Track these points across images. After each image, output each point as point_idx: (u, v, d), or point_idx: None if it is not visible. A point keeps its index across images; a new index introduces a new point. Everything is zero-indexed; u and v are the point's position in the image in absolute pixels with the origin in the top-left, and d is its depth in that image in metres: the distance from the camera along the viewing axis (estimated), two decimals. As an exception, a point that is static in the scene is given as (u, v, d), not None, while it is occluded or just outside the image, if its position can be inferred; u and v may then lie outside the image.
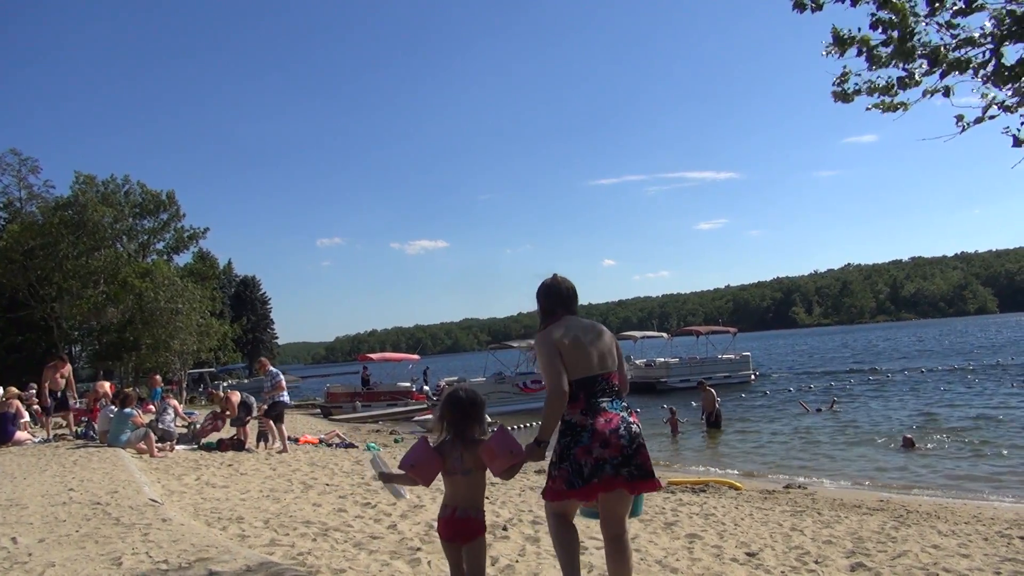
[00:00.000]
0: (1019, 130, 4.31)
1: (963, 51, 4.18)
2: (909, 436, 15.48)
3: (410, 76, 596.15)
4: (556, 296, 3.98)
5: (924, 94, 4.49)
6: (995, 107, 4.32)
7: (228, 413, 13.94)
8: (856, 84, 4.67)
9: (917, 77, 4.40)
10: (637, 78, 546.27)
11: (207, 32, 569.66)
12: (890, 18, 4.18)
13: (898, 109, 4.66)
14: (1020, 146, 4.31)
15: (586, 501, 3.73)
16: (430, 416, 25.53)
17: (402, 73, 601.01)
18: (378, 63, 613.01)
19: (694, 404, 27.39)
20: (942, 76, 4.28)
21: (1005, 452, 14.50)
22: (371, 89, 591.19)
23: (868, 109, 4.74)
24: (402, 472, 3.79)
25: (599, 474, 3.60)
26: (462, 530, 3.64)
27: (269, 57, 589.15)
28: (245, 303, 74.00)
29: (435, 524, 5.94)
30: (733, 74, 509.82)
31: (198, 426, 14.54)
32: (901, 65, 4.38)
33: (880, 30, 4.29)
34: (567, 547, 3.79)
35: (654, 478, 3.76)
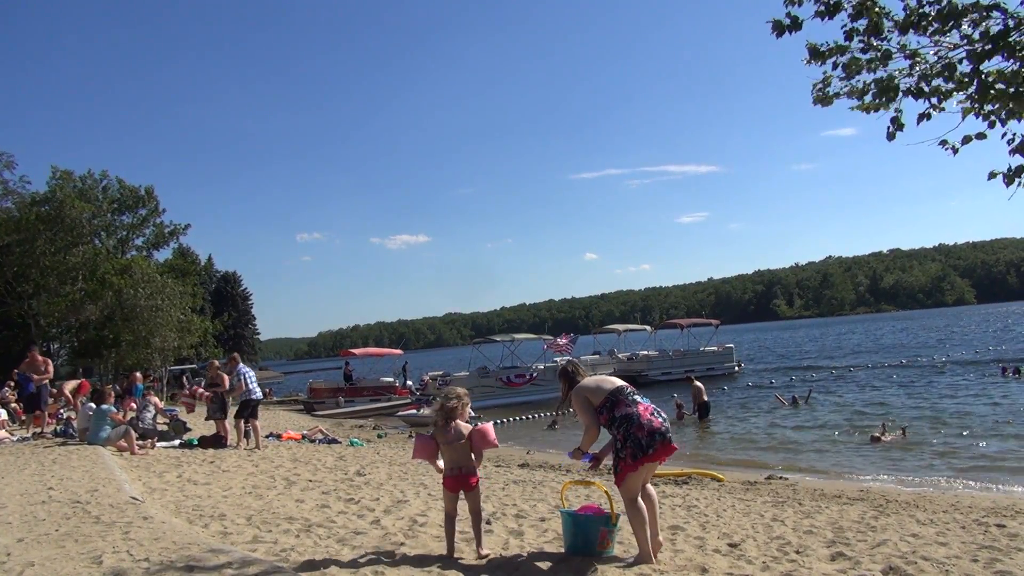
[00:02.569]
0: (1009, 169, 4.35)
1: (937, 80, 4.24)
2: (877, 435, 15.56)
3: (389, 71, 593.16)
4: (574, 375, 5.57)
5: (905, 97, 4.53)
6: (973, 116, 4.35)
7: (215, 382, 13.81)
8: (836, 89, 4.71)
9: (893, 105, 4.49)
10: (618, 73, 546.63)
11: (186, 29, 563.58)
12: (866, 25, 4.23)
13: (879, 109, 4.69)
14: (1010, 185, 4.37)
15: (655, 461, 5.16)
16: (414, 411, 25.57)
17: (381, 69, 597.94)
18: (357, 59, 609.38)
19: (675, 396, 27.62)
20: (917, 98, 4.35)
21: (981, 443, 14.72)
22: (350, 84, 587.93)
23: (852, 109, 4.76)
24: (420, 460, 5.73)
25: (654, 444, 5.06)
26: (464, 482, 5.34)
27: (249, 55, 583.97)
28: (226, 299, 73.39)
29: (418, 520, 6.28)
30: (714, 69, 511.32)
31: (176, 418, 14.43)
32: (884, 67, 4.42)
33: (856, 39, 4.34)
34: (642, 521, 5.15)
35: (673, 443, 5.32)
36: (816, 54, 4.50)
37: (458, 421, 5.44)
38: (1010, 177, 4.35)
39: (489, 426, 5.58)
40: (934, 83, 4.30)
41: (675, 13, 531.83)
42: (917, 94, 4.33)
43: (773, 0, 4.64)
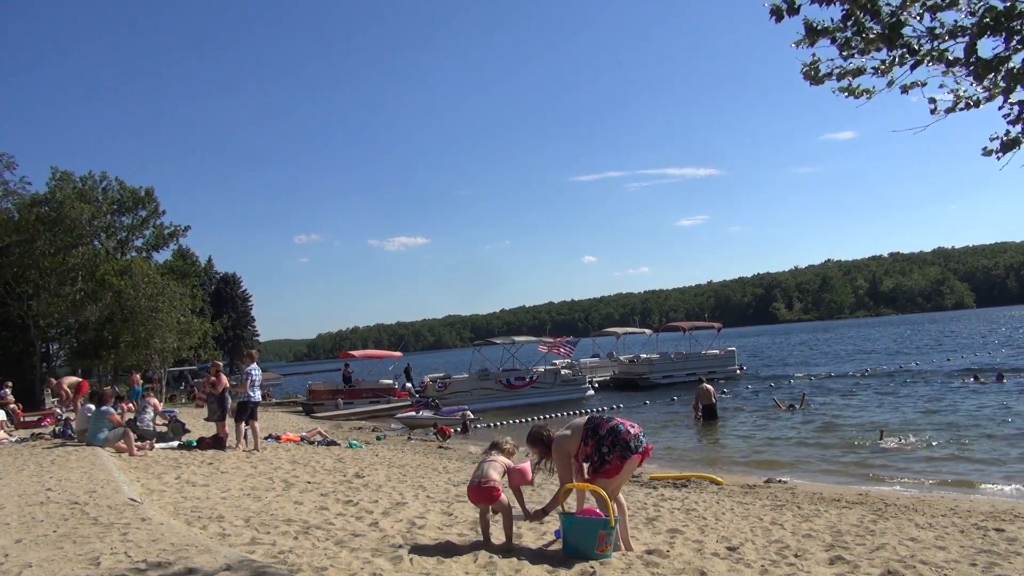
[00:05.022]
0: (1007, 133, 4.34)
1: (939, 43, 4.21)
2: (883, 431, 15.61)
3: (387, 73, 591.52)
4: (549, 439, 6.03)
5: (890, 84, 4.51)
6: (963, 101, 4.35)
7: (214, 382, 13.84)
8: (828, 67, 4.71)
9: (887, 65, 4.44)
10: (618, 75, 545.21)
11: (185, 31, 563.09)
12: (863, 5, 4.21)
13: (864, 95, 4.70)
14: (1008, 151, 4.35)
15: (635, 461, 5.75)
16: (412, 413, 25.57)
17: (379, 70, 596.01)
18: (355, 60, 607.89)
19: (675, 399, 27.63)
20: (913, 68, 4.32)
21: (978, 447, 14.72)
22: (348, 86, 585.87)
23: (834, 92, 4.76)
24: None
25: (639, 446, 5.70)
26: (484, 494, 5.63)
27: (247, 56, 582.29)
28: (226, 300, 73.27)
29: (416, 522, 6.29)
30: (714, 72, 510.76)
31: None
32: (878, 50, 4.40)
33: (852, 21, 4.33)
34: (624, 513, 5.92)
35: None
36: (812, 31, 4.48)
37: (502, 457, 5.93)
38: (1007, 144, 4.34)
39: (526, 466, 6.03)
40: (932, 46, 4.26)
41: (675, 15, 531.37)
42: (913, 50, 4.28)
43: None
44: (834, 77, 4.67)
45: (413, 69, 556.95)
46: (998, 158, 4.37)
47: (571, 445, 5.81)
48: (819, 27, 4.43)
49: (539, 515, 6.05)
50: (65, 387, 19.29)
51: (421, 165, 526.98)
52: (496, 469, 5.77)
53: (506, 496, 5.78)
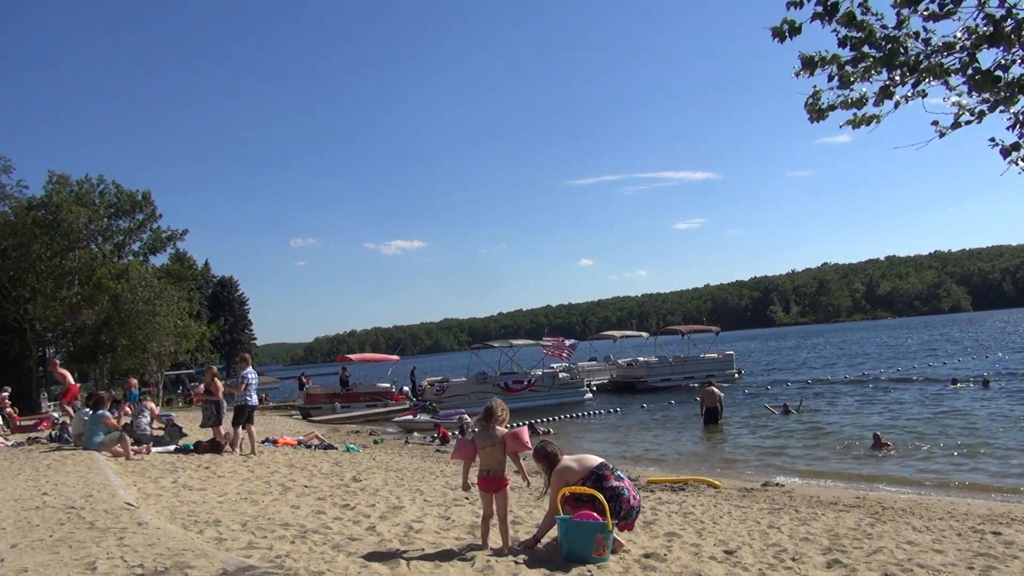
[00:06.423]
0: (1004, 139, 4.36)
1: (938, 57, 4.21)
2: (879, 435, 15.62)
3: (385, 77, 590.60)
4: (554, 456, 6.04)
5: (896, 105, 4.50)
6: (967, 113, 4.36)
7: (210, 388, 13.81)
8: (829, 100, 4.69)
9: (891, 88, 4.42)
10: (615, 79, 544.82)
11: (182, 34, 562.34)
12: (858, 36, 4.22)
13: (871, 122, 4.69)
14: (1008, 155, 4.36)
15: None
16: (410, 417, 25.54)
17: (377, 74, 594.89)
18: (353, 64, 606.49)
19: (672, 402, 27.63)
20: (915, 85, 4.31)
21: (977, 451, 14.73)
22: (345, 89, 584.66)
23: (841, 126, 4.75)
24: (460, 462, 6.21)
25: (628, 518, 5.81)
26: (494, 484, 5.81)
27: (245, 59, 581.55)
28: (223, 304, 73.26)
29: (413, 526, 6.35)
30: (711, 76, 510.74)
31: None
32: (878, 73, 4.38)
33: (848, 47, 4.32)
34: None
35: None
36: (808, 64, 4.48)
37: (497, 426, 5.90)
38: (1007, 150, 4.35)
39: (523, 429, 6.09)
40: (929, 63, 4.25)
41: (672, 20, 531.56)
42: (912, 68, 4.27)
43: (771, 6, 4.51)
44: (838, 108, 4.66)
45: (410, 73, 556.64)
46: (1011, 162, 4.37)
47: (572, 479, 5.80)
48: (816, 59, 4.43)
49: (531, 543, 5.91)
50: (60, 370, 19.20)
51: (418, 169, 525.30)
52: (502, 455, 5.85)
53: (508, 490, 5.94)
